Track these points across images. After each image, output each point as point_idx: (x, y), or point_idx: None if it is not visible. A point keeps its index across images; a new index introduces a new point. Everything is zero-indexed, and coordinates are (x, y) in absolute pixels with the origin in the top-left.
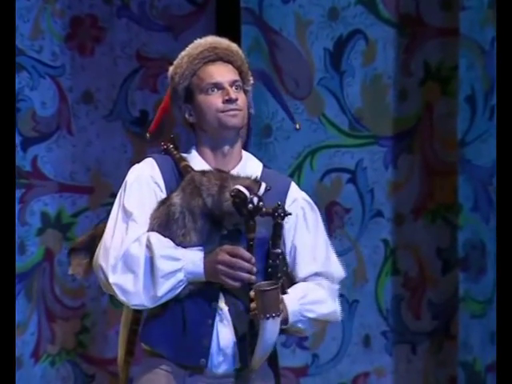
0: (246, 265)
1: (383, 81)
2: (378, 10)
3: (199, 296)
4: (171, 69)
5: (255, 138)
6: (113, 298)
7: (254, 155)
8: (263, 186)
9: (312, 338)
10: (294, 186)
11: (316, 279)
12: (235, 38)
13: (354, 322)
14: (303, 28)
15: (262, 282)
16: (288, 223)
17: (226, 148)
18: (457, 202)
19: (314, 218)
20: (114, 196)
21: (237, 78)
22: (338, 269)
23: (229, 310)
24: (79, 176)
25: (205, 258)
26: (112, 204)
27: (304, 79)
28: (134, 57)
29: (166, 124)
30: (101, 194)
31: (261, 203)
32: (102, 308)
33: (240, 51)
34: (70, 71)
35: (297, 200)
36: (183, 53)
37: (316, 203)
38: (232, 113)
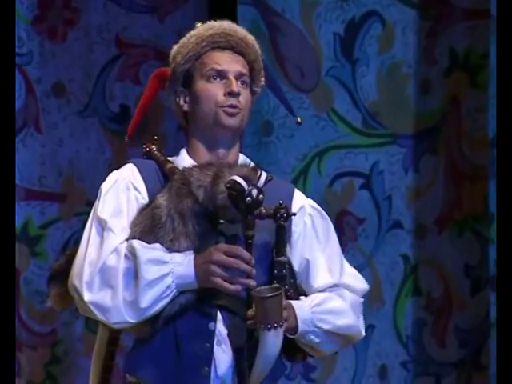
0: (245, 266)
1: (402, 70)
2: None
3: (193, 315)
4: (175, 47)
5: (253, 136)
6: (88, 323)
7: (252, 156)
8: (263, 175)
9: (320, 369)
10: (298, 192)
11: (336, 290)
12: (230, 20)
13: (368, 350)
14: (309, 9)
15: (263, 287)
16: (296, 232)
17: (222, 151)
18: (488, 211)
19: (325, 227)
20: (90, 204)
21: (245, 71)
22: (358, 280)
23: (228, 331)
24: (49, 181)
25: (196, 259)
26: (87, 213)
27: (310, 69)
28: (112, 42)
29: (149, 121)
30: (74, 201)
31: (261, 196)
32: (76, 334)
33: (257, 46)
34: (38, 59)
35: (304, 207)
36: (192, 32)
37: (324, 212)
38: (230, 111)
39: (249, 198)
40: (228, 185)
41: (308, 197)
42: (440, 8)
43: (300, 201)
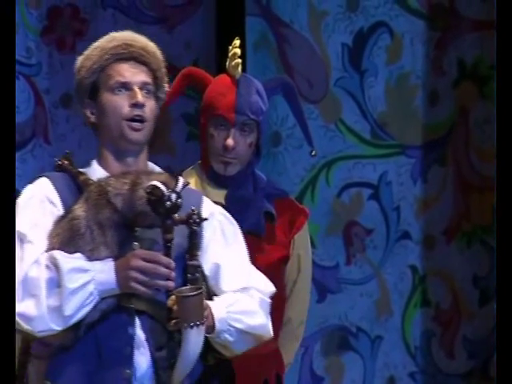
0: (163, 270)
1: (411, 81)
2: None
3: (113, 320)
4: (80, 59)
5: (262, 147)
6: None
7: (261, 167)
8: (181, 180)
9: (328, 380)
10: (206, 199)
11: (245, 291)
12: (239, 31)
13: (376, 361)
14: (318, 20)
15: (184, 288)
16: (206, 238)
17: (130, 159)
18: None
19: (233, 232)
20: None
21: (148, 80)
22: (265, 283)
23: (146, 335)
24: None
25: (116, 265)
26: None
27: (319, 79)
28: None
29: (158, 131)
30: None
31: (179, 200)
32: None
33: (158, 53)
34: (47, 70)
35: (213, 214)
36: (95, 44)
37: (332, 222)
38: (135, 125)
39: (168, 202)
40: (148, 190)
41: (316, 207)
42: (448, 19)
43: (209, 207)
